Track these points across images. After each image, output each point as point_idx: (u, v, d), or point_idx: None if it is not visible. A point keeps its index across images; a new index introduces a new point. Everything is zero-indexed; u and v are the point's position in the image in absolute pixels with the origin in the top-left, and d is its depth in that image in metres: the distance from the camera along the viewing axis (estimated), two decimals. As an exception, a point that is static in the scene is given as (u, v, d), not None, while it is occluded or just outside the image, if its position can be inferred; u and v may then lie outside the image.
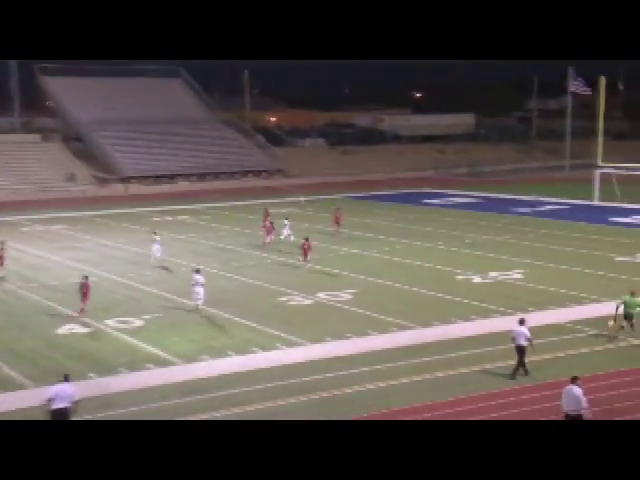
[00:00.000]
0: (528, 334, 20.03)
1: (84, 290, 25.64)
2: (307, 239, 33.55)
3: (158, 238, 34.26)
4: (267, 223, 38.36)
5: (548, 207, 51.92)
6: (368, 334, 23.68)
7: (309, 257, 32.97)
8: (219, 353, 21.99)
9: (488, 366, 20.67)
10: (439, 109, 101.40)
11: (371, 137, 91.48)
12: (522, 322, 20.31)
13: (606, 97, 55.90)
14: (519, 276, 31.08)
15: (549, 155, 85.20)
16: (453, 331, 23.87)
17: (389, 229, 43.97)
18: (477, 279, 30.80)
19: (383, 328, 24.23)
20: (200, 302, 25.89)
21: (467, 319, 25.13)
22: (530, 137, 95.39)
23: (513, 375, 19.67)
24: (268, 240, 37.67)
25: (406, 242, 39.41)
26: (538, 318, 24.99)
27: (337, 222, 41.90)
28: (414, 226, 44.93)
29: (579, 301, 27.01)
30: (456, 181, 71.89)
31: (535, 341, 20.55)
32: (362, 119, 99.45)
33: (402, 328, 24.25)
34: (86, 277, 26.22)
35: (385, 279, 30.96)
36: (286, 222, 39.31)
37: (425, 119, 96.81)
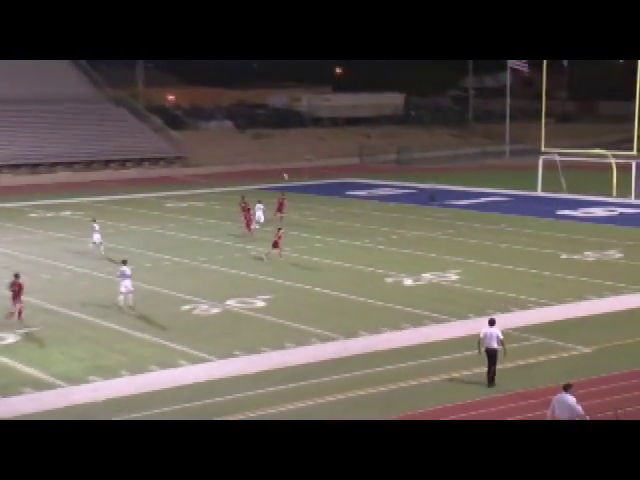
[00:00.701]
0: (500, 336, 20.56)
1: (15, 289, 25.76)
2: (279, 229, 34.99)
3: (97, 227, 36.18)
4: (243, 212, 40.58)
5: (487, 199, 53.10)
6: (285, 347, 23.68)
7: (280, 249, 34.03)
8: (110, 373, 21.62)
9: (424, 380, 20.94)
10: (364, 87, 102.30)
11: (286, 119, 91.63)
12: (492, 322, 20.78)
13: (549, 75, 57.54)
14: (455, 277, 31.66)
15: (487, 140, 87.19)
16: (382, 342, 24.10)
17: (307, 225, 44.10)
18: (408, 281, 31.22)
19: (302, 340, 24.27)
20: (130, 297, 27.34)
21: (397, 327, 25.42)
22: (466, 119, 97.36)
23: (491, 382, 20.31)
24: (253, 228, 39.91)
25: (327, 240, 39.62)
26: (478, 325, 25.47)
27: (280, 210, 42.80)
28: (336, 221, 45.22)
29: (523, 305, 27.70)
30: (383, 170, 72.72)
31: (474, 351, 20.92)
32: (276, 98, 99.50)
33: (323, 339, 24.34)
34: (17, 275, 26.19)
35: (304, 283, 31.02)
36: (260, 206, 41.23)
37: (348, 99, 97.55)
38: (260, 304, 28.20)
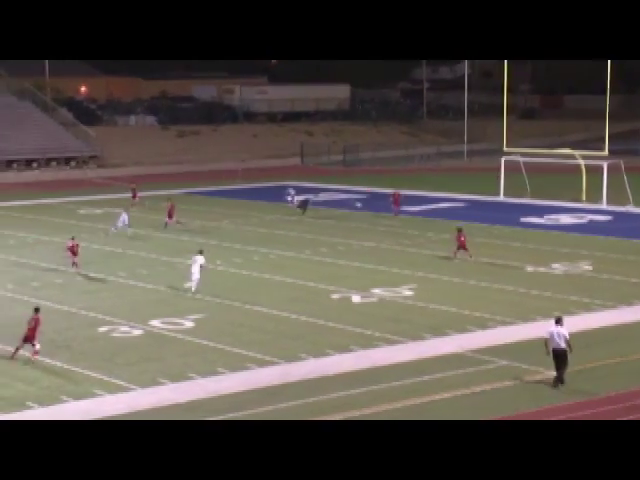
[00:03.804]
0: (567, 335, 22.08)
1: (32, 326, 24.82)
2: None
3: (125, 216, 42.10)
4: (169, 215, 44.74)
5: (443, 204, 53.78)
6: (217, 373, 23.72)
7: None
8: (14, 405, 21.40)
9: (376, 409, 21.16)
10: (304, 79, 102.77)
11: (216, 114, 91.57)
12: (559, 321, 22.33)
13: (511, 66, 58.56)
14: (409, 293, 32.04)
15: (443, 138, 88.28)
16: (328, 366, 24.27)
17: (242, 235, 44.17)
18: (357, 298, 31.49)
19: (237, 364, 24.33)
20: (193, 285, 31.30)
21: (345, 350, 25.63)
22: (419, 115, 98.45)
23: (560, 381, 22.02)
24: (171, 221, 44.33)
25: (265, 251, 39.74)
26: (434, 347, 25.86)
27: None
28: (275, 230, 45.35)
29: (483, 324, 28.17)
30: (328, 171, 73.07)
31: (432, 376, 21.26)
32: (204, 90, 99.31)
33: (261, 364, 24.44)
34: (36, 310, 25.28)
35: (239, 300, 31.07)
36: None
37: (286, 91, 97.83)
38: (189, 324, 28.17)
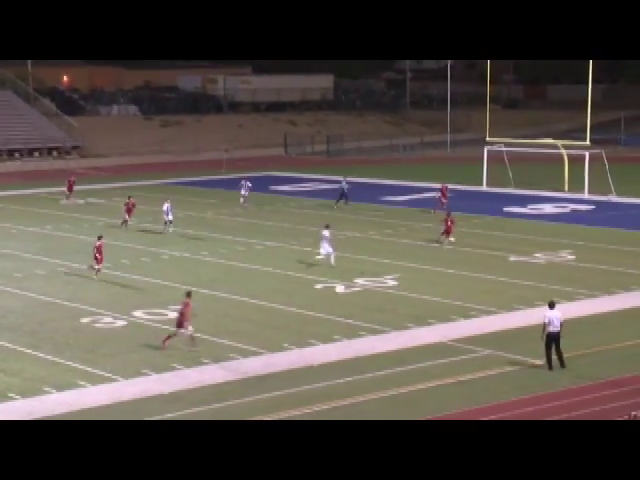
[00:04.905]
0: (562, 319, 22.96)
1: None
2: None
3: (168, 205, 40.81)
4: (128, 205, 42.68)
5: (427, 195, 53.80)
6: (202, 363, 23.70)
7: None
8: (-2, 397, 21.34)
9: (360, 398, 21.20)
10: (288, 69, 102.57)
11: (200, 104, 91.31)
12: (553, 305, 23.22)
13: (495, 56, 58.51)
14: (393, 283, 32.08)
15: (426, 128, 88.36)
16: (311, 356, 24.29)
17: (227, 225, 44.11)
18: (341, 288, 31.50)
19: (221, 355, 24.32)
20: (323, 255, 34.02)
21: (329, 340, 25.65)
22: (403, 105, 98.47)
23: (562, 364, 22.83)
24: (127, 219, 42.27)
25: (250, 241, 39.70)
26: (418, 336, 25.91)
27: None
28: (247, 220, 45.30)
29: (466, 314, 28.23)
30: (312, 161, 73.04)
31: (416, 365, 21.30)
32: (188, 80, 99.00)
33: (246, 354, 24.43)
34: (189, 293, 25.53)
35: (222, 291, 31.05)
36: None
37: (270, 81, 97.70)
38: (172, 315, 28.10)
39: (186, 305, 24.87)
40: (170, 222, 41.13)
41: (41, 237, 41.18)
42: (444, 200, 46.66)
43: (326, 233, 34.25)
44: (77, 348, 24.94)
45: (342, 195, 49.16)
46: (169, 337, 24.73)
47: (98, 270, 32.49)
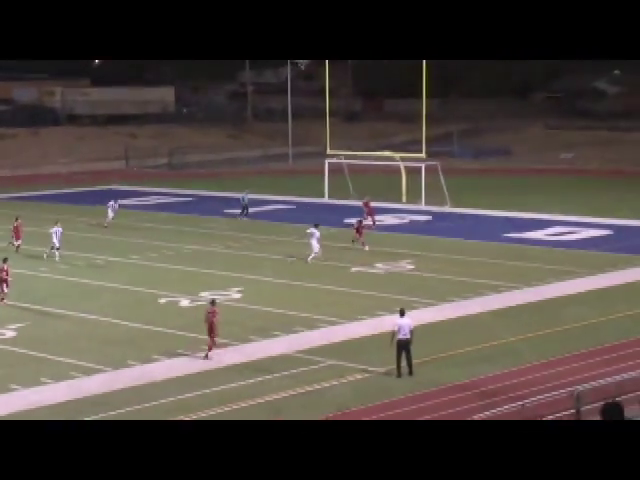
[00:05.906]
0: (412, 326, 23.48)
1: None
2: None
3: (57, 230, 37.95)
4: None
5: (269, 207, 54.07)
6: (41, 383, 23.09)
7: None
8: None
9: (209, 412, 21.04)
10: (127, 81, 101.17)
11: (37, 117, 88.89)
12: (403, 313, 23.69)
13: (333, 69, 59.45)
14: (238, 296, 32.06)
15: (269, 141, 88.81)
16: (154, 372, 24.04)
17: (68, 240, 42.97)
18: (185, 302, 31.26)
19: (61, 374, 23.76)
20: (316, 253, 36.74)
21: (173, 354, 25.42)
22: (245, 118, 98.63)
23: (410, 372, 23.26)
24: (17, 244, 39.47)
25: (87, 256, 38.93)
26: (263, 348, 25.95)
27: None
28: (98, 235, 44.48)
29: (311, 325, 28.47)
30: (153, 175, 72.25)
31: (262, 378, 21.29)
32: (23, 92, 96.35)
33: (87, 372, 23.96)
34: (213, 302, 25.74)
35: (59, 307, 30.32)
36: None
37: (110, 93, 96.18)
38: (10, 334, 27.28)
39: (214, 314, 24.85)
40: (57, 248, 38.03)
41: None
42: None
43: (316, 232, 37.03)
44: None
45: (244, 208, 49.33)
46: (210, 348, 24.75)
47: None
